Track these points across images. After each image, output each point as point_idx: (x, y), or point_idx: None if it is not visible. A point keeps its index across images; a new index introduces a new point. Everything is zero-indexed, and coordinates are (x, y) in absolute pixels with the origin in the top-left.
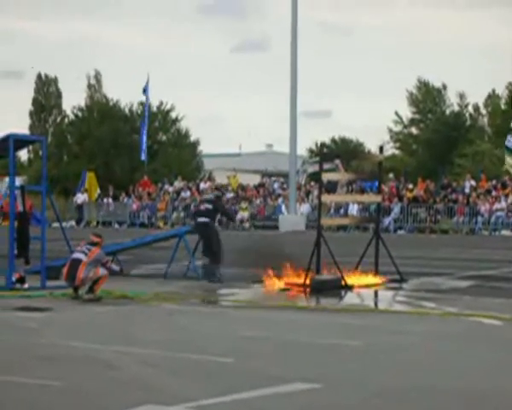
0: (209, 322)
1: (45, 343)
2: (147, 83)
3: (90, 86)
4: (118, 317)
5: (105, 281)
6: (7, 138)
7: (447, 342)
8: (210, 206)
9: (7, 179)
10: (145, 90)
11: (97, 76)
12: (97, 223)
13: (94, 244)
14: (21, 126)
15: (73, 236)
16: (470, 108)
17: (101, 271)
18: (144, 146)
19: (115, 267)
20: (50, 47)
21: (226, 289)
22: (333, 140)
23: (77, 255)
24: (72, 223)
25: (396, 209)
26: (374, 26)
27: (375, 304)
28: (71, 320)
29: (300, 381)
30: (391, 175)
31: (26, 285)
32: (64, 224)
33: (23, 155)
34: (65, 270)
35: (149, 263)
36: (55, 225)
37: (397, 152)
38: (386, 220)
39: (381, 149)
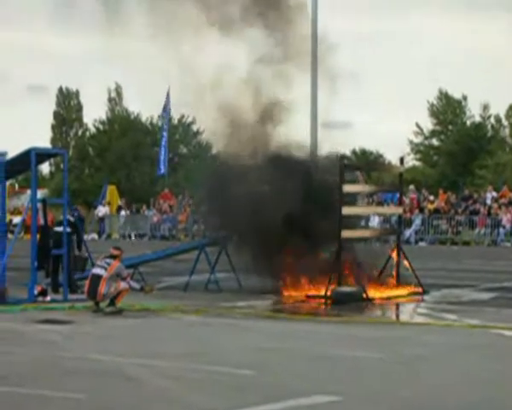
0: (230, 334)
1: (68, 356)
2: (167, 96)
3: (110, 100)
4: (139, 330)
5: (126, 294)
6: (28, 152)
7: (469, 355)
8: None
9: (29, 192)
10: (165, 107)
11: (118, 89)
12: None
13: (113, 257)
14: (44, 140)
15: (95, 249)
16: (492, 120)
17: (123, 284)
18: (163, 158)
19: (135, 285)
20: (72, 61)
21: (247, 301)
22: (353, 152)
23: (97, 271)
24: (94, 236)
25: (417, 221)
26: (393, 36)
27: (397, 316)
28: (93, 333)
29: (320, 394)
30: (411, 187)
31: (48, 298)
32: (86, 236)
33: (45, 168)
34: (86, 286)
35: (170, 275)
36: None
37: (417, 164)
38: (408, 232)
39: (402, 160)
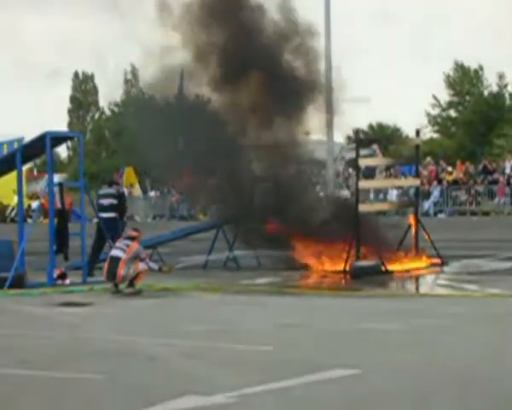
0: (249, 311)
1: (88, 338)
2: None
3: (126, 81)
4: (159, 309)
5: (145, 274)
6: (44, 136)
7: (490, 325)
8: None
9: (46, 177)
10: (180, 88)
11: (134, 71)
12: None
13: (131, 239)
14: (61, 124)
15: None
16: (510, 88)
17: (141, 265)
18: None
19: (154, 266)
20: (87, 44)
21: (265, 277)
22: (370, 126)
23: (115, 253)
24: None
25: (436, 193)
26: (406, 12)
27: (416, 288)
28: (113, 314)
29: (341, 367)
30: (428, 159)
31: (67, 281)
32: None
33: (63, 152)
34: (105, 268)
35: (189, 255)
36: (95, 220)
37: (435, 136)
38: (426, 204)
39: (418, 132)
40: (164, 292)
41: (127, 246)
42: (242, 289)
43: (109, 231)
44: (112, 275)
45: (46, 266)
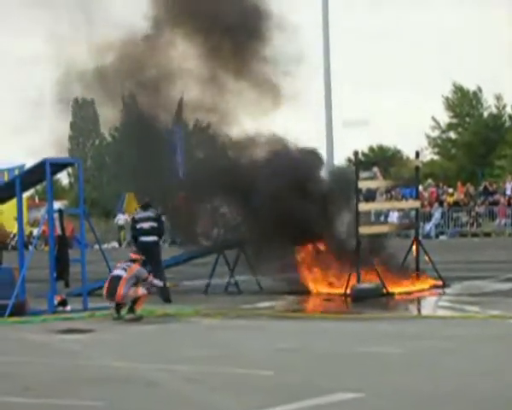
0: (249, 336)
1: (88, 365)
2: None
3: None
4: (160, 335)
5: (145, 300)
6: (43, 163)
7: (491, 346)
8: None
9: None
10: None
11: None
12: None
13: (133, 261)
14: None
15: (116, 256)
16: (509, 109)
17: (141, 290)
18: (180, 163)
19: (158, 282)
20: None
21: (267, 302)
22: (370, 149)
23: (117, 272)
24: (115, 244)
25: (437, 214)
26: (406, 30)
27: (418, 310)
28: (113, 341)
29: (342, 391)
30: (429, 181)
31: (68, 308)
32: (106, 245)
33: (64, 179)
34: (105, 286)
35: (190, 279)
36: (97, 247)
37: (436, 157)
38: (428, 226)
39: (417, 154)
40: (164, 318)
41: (128, 266)
42: (243, 314)
43: (153, 255)
44: (111, 294)
45: (47, 293)
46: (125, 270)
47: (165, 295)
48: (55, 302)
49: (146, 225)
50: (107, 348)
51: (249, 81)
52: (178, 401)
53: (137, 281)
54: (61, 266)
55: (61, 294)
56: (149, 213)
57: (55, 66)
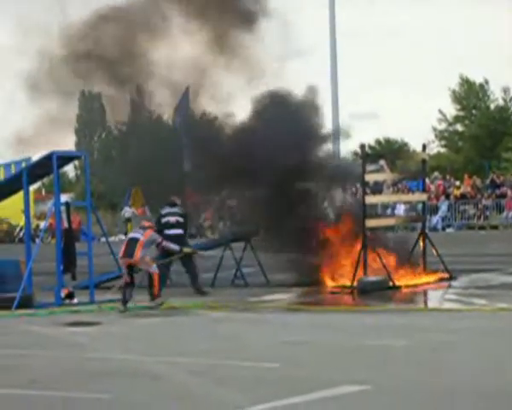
0: (255, 328)
1: (95, 358)
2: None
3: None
4: (166, 328)
5: (158, 279)
6: (50, 156)
7: (498, 339)
8: None
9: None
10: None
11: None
12: None
13: (145, 228)
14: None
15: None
16: None
17: (154, 267)
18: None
19: (174, 246)
20: None
21: (273, 294)
22: (377, 141)
23: (134, 235)
24: (122, 237)
25: (443, 207)
26: (413, 25)
27: (425, 303)
28: (120, 334)
29: (348, 384)
30: (436, 173)
31: (75, 300)
32: (113, 238)
33: (71, 172)
34: (122, 248)
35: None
36: (104, 239)
37: (442, 150)
38: (434, 219)
39: (424, 147)
40: (171, 311)
41: (144, 231)
42: (249, 307)
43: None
44: (129, 254)
45: (54, 286)
46: (142, 234)
47: (196, 286)
48: (62, 295)
49: (172, 219)
50: (114, 341)
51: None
52: (184, 394)
53: (153, 244)
54: (67, 259)
55: (67, 287)
56: (176, 209)
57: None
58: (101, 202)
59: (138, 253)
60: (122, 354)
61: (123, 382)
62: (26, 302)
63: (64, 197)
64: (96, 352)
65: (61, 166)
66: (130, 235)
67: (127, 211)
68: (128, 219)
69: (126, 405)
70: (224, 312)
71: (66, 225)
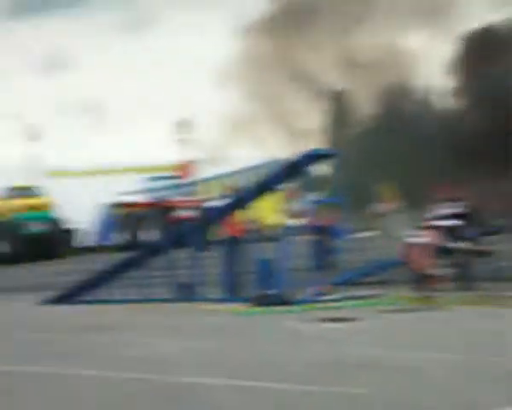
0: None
1: (349, 353)
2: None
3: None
4: (422, 323)
5: (440, 282)
6: (305, 155)
7: None
8: None
9: (306, 195)
10: None
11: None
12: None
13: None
14: None
15: (375, 245)
16: None
17: (438, 269)
18: None
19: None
20: None
21: None
22: None
23: (415, 239)
24: (373, 233)
25: None
26: None
27: None
28: (375, 329)
29: None
30: None
31: (328, 296)
32: (366, 234)
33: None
34: (405, 254)
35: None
36: (360, 235)
37: None
38: None
39: None
40: (425, 306)
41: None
42: (506, 303)
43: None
44: (413, 262)
45: (308, 283)
46: (423, 237)
47: (466, 279)
48: (317, 292)
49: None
50: (368, 336)
51: None
52: (443, 391)
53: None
54: (322, 256)
55: (323, 283)
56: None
57: None
58: (363, 195)
59: (423, 261)
60: (380, 350)
61: (380, 377)
62: (281, 299)
63: (316, 195)
64: (349, 347)
65: (313, 164)
66: (412, 239)
67: (379, 207)
68: (379, 215)
69: (385, 400)
70: (488, 307)
71: (319, 222)
